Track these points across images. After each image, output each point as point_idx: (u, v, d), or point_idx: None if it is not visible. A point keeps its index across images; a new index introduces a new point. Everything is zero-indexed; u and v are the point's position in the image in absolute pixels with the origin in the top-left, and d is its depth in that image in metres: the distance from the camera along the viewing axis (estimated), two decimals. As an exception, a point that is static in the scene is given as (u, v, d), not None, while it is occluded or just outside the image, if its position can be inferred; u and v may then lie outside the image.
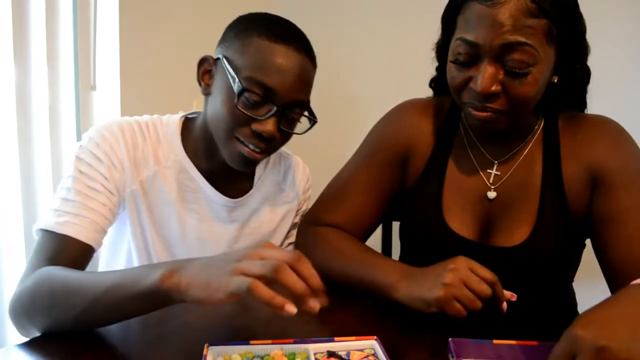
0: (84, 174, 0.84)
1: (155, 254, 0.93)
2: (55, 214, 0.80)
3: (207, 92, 0.90)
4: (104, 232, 0.85)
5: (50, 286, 0.70)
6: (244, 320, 0.75)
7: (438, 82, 0.96)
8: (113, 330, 0.69)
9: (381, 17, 1.97)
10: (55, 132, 1.38)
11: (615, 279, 0.77)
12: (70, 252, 0.79)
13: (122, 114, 1.52)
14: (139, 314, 0.66)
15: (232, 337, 0.64)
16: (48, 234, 0.79)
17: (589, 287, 0.98)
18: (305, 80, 0.86)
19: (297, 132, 0.90)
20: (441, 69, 0.93)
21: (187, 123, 0.96)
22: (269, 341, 0.62)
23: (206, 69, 0.90)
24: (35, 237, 0.82)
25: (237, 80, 0.82)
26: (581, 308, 0.94)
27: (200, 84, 0.91)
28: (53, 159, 1.37)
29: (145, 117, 0.95)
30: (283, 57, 0.82)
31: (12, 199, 1.29)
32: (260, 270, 0.56)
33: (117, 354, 0.64)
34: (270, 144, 0.87)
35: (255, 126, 0.83)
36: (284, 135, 0.88)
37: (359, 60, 2.00)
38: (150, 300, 0.62)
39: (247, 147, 0.85)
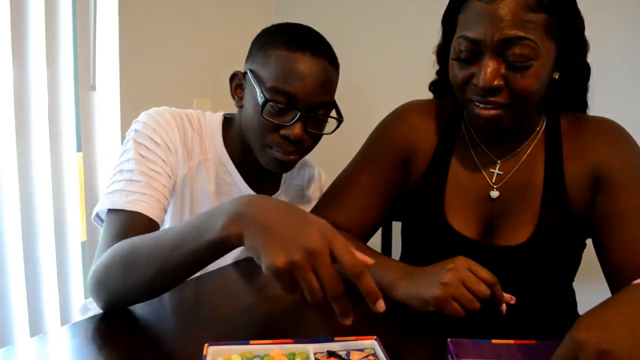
0: (144, 157, 0.88)
1: None
2: (122, 194, 0.84)
3: (240, 105, 0.97)
4: (166, 211, 0.90)
5: (122, 257, 0.71)
6: (244, 320, 0.75)
7: (438, 86, 0.98)
8: (109, 330, 0.69)
9: (387, 17, 1.97)
10: (55, 132, 1.38)
11: (616, 279, 0.78)
12: (139, 228, 0.81)
13: (122, 114, 1.52)
14: (204, 266, 0.67)
15: (232, 337, 0.64)
16: (117, 213, 0.83)
17: (589, 287, 0.98)
18: (325, 83, 0.90)
19: (326, 132, 0.95)
20: (441, 72, 0.94)
21: (226, 122, 1.02)
22: (269, 341, 0.62)
23: (237, 84, 0.96)
24: (96, 219, 0.88)
25: (261, 91, 0.88)
26: (581, 308, 0.94)
27: (234, 98, 0.98)
28: (52, 159, 1.37)
29: (190, 110, 1.01)
30: (301, 64, 0.87)
31: (11, 200, 1.29)
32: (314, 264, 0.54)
33: (114, 353, 0.64)
34: (301, 146, 0.91)
35: (283, 132, 0.89)
36: (313, 136, 0.93)
37: (364, 59, 2.00)
38: (215, 250, 0.62)
39: (281, 153, 0.90)
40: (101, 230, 0.86)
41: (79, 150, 1.47)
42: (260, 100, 0.87)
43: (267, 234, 0.56)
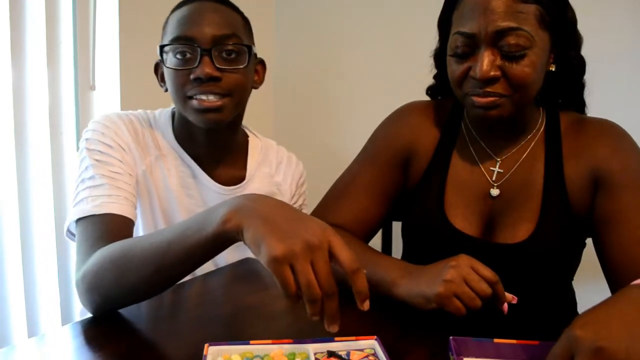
0: (101, 162, 0.88)
1: None
2: (89, 200, 0.83)
3: (166, 89, 0.95)
4: (136, 207, 0.89)
5: (114, 259, 0.70)
6: (244, 320, 0.75)
7: (435, 90, 0.99)
8: (110, 330, 0.69)
9: (387, 18, 1.96)
10: (55, 132, 1.38)
11: (616, 279, 0.78)
12: (114, 228, 0.81)
13: (122, 114, 1.52)
14: (204, 262, 0.67)
15: (232, 337, 0.64)
16: (88, 220, 0.81)
17: (589, 287, 0.98)
18: (220, 18, 0.89)
19: (240, 66, 0.91)
20: (439, 76, 0.95)
21: (175, 115, 1.01)
22: (269, 341, 0.62)
23: (161, 72, 0.95)
24: (69, 234, 0.86)
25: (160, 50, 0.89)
26: (581, 308, 0.94)
27: (162, 86, 0.97)
28: (53, 158, 1.37)
29: (139, 110, 1.00)
30: (189, 10, 0.89)
31: (10, 200, 1.29)
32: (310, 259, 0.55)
33: (115, 353, 0.64)
34: (219, 85, 0.89)
35: (193, 75, 0.87)
36: (229, 73, 0.89)
37: (363, 60, 2.00)
38: (214, 244, 0.62)
39: (200, 98, 0.88)
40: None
41: (78, 150, 1.47)
42: (158, 51, 0.89)
43: (267, 225, 0.56)
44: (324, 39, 2.05)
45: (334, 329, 0.57)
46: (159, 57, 0.92)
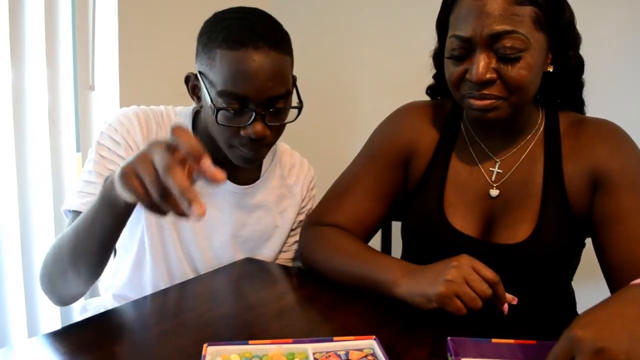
0: (104, 158, 0.90)
1: (170, 235, 0.96)
2: (80, 195, 0.88)
3: (200, 106, 0.94)
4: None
5: (53, 249, 0.79)
6: (243, 320, 0.75)
7: (435, 90, 0.99)
8: (109, 330, 0.69)
9: (387, 17, 1.96)
10: (54, 133, 1.38)
11: (615, 279, 0.78)
12: None
13: (121, 114, 1.52)
14: (109, 228, 0.73)
15: (230, 337, 0.64)
16: (74, 214, 0.87)
17: (589, 287, 0.98)
18: (276, 76, 0.85)
19: (289, 120, 0.91)
20: (438, 76, 0.95)
21: (197, 115, 1.01)
22: (268, 341, 0.62)
23: (193, 85, 0.94)
24: (67, 212, 0.91)
25: (210, 98, 0.86)
26: (581, 308, 0.94)
27: (193, 99, 0.95)
28: (52, 158, 1.37)
29: (161, 106, 1.00)
30: (246, 63, 0.82)
31: (10, 200, 1.29)
32: None
33: (113, 353, 0.64)
34: (266, 140, 0.89)
35: (244, 132, 0.86)
36: (276, 127, 0.90)
37: (362, 60, 2.00)
38: (104, 206, 0.69)
39: (247, 151, 0.89)
40: None
41: (78, 150, 1.47)
42: (212, 108, 0.85)
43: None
44: (323, 40, 2.05)
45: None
46: (200, 78, 0.88)
